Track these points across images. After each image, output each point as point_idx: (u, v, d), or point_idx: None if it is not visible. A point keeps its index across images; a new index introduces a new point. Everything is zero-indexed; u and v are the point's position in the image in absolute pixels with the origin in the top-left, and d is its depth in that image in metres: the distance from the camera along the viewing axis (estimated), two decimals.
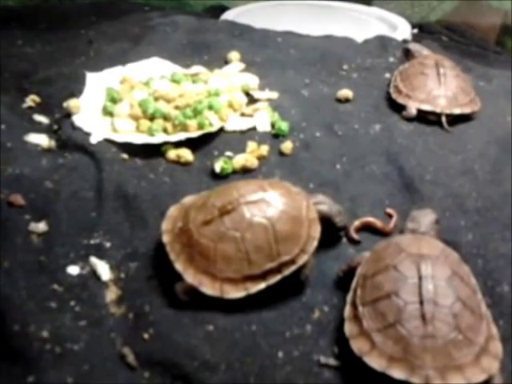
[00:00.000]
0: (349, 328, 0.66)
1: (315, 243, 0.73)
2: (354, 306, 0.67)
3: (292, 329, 0.69)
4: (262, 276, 0.70)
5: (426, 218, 0.76)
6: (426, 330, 0.62)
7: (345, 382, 0.64)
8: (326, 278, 0.76)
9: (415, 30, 1.63)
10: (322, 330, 0.69)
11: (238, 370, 0.64)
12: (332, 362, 0.66)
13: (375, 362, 0.62)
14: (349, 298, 0.69)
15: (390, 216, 0.85)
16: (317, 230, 0.74)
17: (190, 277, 0.70)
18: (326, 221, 0.77)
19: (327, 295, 0.73)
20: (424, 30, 1.66)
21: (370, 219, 0.84)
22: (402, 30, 1.53)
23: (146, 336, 0.67)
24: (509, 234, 0.83)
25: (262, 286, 0.70)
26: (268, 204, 0.72)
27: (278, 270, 0.71)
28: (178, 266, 0.72)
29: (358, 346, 0.64)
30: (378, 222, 0.83)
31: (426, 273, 0.65)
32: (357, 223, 0.83)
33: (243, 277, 0.70)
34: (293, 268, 0.71)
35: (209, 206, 0.73)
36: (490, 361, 0.62)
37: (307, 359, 0.66)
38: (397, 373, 0.60)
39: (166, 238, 0.75)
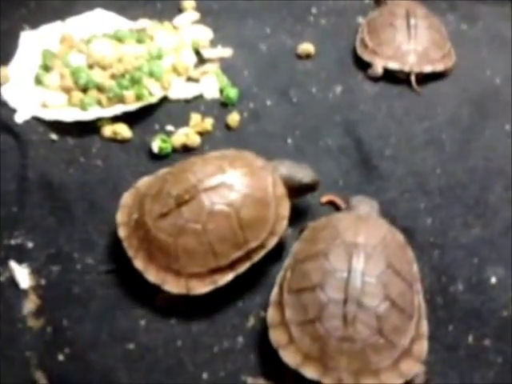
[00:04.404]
0: (271, 314, 0.62)
1: (285, 222, 0.69)
2: (281, 290, 0.63)
3: (222, 342, 0.64)
4: (230, 266, 0.66)
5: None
6: (346, 332, 0.58)
7: None
8: (266, 278, 0.70)
9: None
10: (255, 342, 0.64)
11: None
12: (261, 382, 0.61)
13: (290, 358, 0.59)
14: (279, 278, 0.65)
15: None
16: (286, 208, 0.69)
17: (152, 275, 0.65)
18: (293, 187, 0.71)
19: (265, 297, 0.67)
20: None
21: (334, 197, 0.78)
22: None
23: (61, 357, 0.62)
24: (471, 218, 0.76)
25: (230, 276, 0.66)
26: (229, 188, 0.66)
27: (246, 256, 0.67)
28: (138, 263, 0.66)
29: (276, 337, 0.60)
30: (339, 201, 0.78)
31: (357, 266, 0.61)
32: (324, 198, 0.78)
33: (210, 270, 0.65)
34: (262, 253, 0.67)
35: (164, 194, 0.67)
36: (409, 364, 0.59)
37: (234, 379, 0.61)
38: (310, 372, 0.58)
39: (122, 233, 0.69)
